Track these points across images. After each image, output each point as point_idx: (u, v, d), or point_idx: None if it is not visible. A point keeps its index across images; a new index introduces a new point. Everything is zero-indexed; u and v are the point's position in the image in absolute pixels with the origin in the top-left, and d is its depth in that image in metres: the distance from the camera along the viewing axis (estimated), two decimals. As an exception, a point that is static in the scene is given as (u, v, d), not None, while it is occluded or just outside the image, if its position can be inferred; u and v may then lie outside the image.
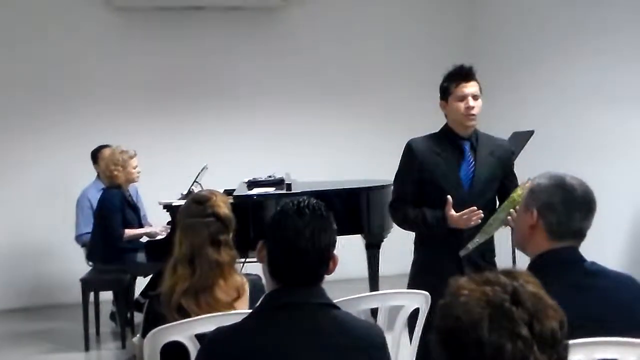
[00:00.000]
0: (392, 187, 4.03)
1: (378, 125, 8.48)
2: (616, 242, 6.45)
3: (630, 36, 6.36)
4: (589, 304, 2.29)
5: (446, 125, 3.92)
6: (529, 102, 7.77)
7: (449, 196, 3.69)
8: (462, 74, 3.82)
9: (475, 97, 3.81)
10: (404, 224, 3.92)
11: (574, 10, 7.12)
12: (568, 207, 2.41)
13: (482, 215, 3.65)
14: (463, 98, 3.79)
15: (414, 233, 4.00)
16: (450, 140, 3.87)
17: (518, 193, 3.38)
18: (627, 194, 6.37)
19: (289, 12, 8.59)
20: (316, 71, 8.66)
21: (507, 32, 8.26)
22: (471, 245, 3.61)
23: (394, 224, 4.13)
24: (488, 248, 3.85)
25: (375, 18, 8.76)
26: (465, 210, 3.65)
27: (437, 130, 3.96)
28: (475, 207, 3.66)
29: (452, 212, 3.67)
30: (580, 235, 2.45)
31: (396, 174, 3.96)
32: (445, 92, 3.86)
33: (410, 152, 3.87)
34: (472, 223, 3.65)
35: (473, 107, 3.79)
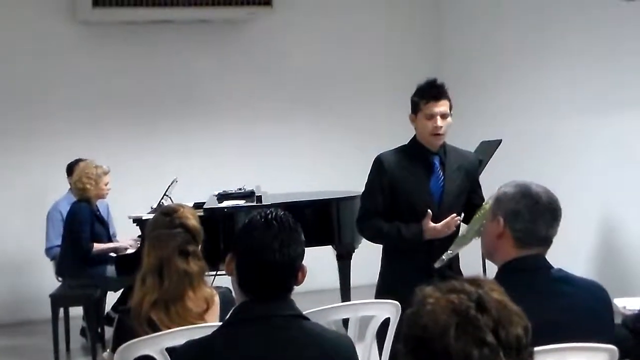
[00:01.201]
0: (360, 201, 4.00)
1: (348, 135, 8.50)
2: (584, 248, 6.52)
3: (598, 42, 6.45)
4: (555, 310, 2.31)
5: (414, 138, 3.94)
6: (496, 110, 7.83)
7: (429, 210, 3.71)
8: (432, 93, 3.83)
9: (443, 117, 3.82)
10: (376, 238, 3.92)
11: (541, 16, 7.19)
12: (534, 214, 2.44)
13: (460, 220, 3.71)
14: (431, 117, 3.80)
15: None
16: (419, 154, 3.89)
17: (490, 204, 3.41)
18: (595, 201, 6.45)
19: (255, 24, 8.59)
20: (285, 83, 8.67)
21: (475, 39, 8.32)
22: (446, 257, 3.63)
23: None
24: (454, 258, 3.87)
25: (343, 29, 8.78)
26: (445, 220, 3.69)
27: (406, 143, 3.98)
28: (454, 214, 3.72)
29: (430, 224, 3.69)
30: (547, 242, 2.47)
31: (365, 188, 3.95)
32: (415, 107, 3.87)
33: (380, 167, 3.87)
34: (450, 230, 3.70)
35: (441, 127, 3.80)
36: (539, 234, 2.44)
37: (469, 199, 3.94)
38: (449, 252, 3.64)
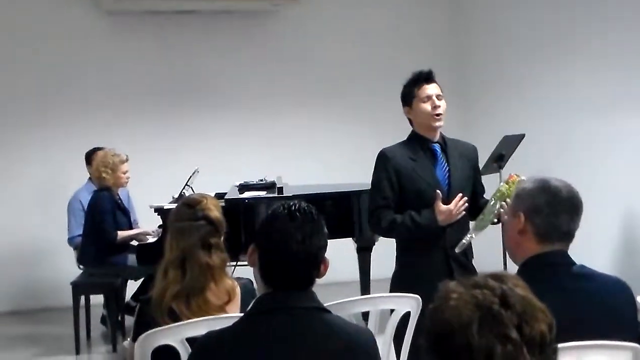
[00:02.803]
0: (369, 198, 3.99)
1: (368, 128, 8.49)
2: (606, 245, 6.47)
3: (619, 41, 6.39)
4: (577, 307, 2.30)
5: (413, 131, 3.95)
6: (519, 105, 7.79)
7: (438, 191, 3.71)
8: (422, 77, 3.88)
9: (439, 98, 3.86)
10: (391, 231, 3.86)
11: (563, 13, 7.14)
12: (554, 208, 2.42)
13: (467, 201, 3.72)
14: (428, 98, 3.83)
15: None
16: (421, 144, 3.89)
17: (505, 186, 3.54)
18: (617, 197, 6.40)
19: (279, 16, 8.60)
20: (307, 76, 8.66)
21: (496, 36, 8.28)
22: (466, 240, 3.64)
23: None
24: (469, 248, 3.87)
25: (366, 23, 8.76)
26: (453, 202, 3.70)
27: (405, 139, 3.97)
28: (461, 194, 3.72)
29: (442, 206, 3.69)
30: (569, 236, 2.46)
31: (373, 183, 3.92)
32: (408, 97, 3.89)
33: (385, 160, 3.86)
34: (460, 214, 3.70)
35: (439, 107, 3.83)
36: (560, 228, 2.43)
37: (473, 187, 3.96)
38: (468, 236, 3.65)
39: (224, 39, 8.48)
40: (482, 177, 4.16)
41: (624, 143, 6.38)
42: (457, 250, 3.68)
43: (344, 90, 8.69)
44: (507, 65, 8.06)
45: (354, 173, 7.51)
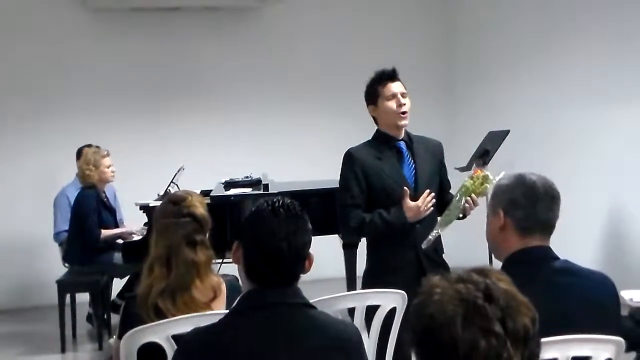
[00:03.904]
0: (337, 198, 3.98)
1: (354, 125, 8.44)
2: (592, 240, 6.52)
3: (603, 35, 6.43)
4: (560, 301, 2.31)
5: (378, 130, 3.97)
6: (505, 102, 7.82)
7: (405, 188, 3.72)
8: (386, 75, 3.89)
9: (403, 96, 3.87)
10: (360, 230, 3.85)
11: (546, 10, 7.18)
12: (531, 200, 2.45)
13: (435, 197, 3.74)
14: (393, 96, 3.84)
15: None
16: (387, 143, 3.91)
17: (470, 182, 3.60)
18: (603, 192, 6.44)
19: (264, 12, 8.59)
20: (292, 71, 8.66)
21: (481, 32, 8.31)
22: (432, 237, 3.65)
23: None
24: (439, 243, 3.91)
25: (352, 18, 8.77)
26: (420, 198, 3.71)
27: (370, 138, 4.00)
28: (428, 191, 3.74)
29: (410, 202, 3.70)
30: (549, 227, 2.48)
31: (341, 183, 3.92)
32: (373, 95, 3.90)
33: (352, 160, 3.88)
34: (428, 210, 3.71)
35: (404, 104, 3.84)
36: (539, 218, 2.45)
37: (440, 183, 3.99)
38: (434, 232, 3.66)
39: (210, 36, 8.47)
40: (467, 172, 4.18)
41: (609, 137, 6.42)
42: (423, 246, 3.68)
43: (329, 87, 8.69)
44: (493, 62, 8.09)
45: (339, 170, 7.53)
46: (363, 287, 3.79)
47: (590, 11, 6.60)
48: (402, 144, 3.91)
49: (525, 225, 2.45)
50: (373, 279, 3.78)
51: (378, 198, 3.81)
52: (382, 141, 3.92)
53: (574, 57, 6.81)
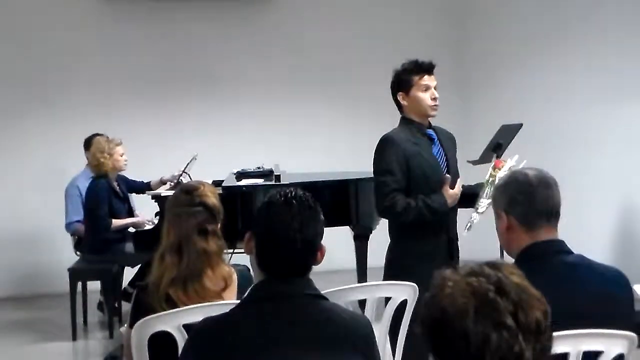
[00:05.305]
0: (379, 182, 3.94)
1: (367, 115, 8.47)
2: (604, 235, 6.49)
3: (617, 31, 6.40)
4: (573, 296, 2.31)
5: (405, 117, 4.01)
6: (517, 95, 7.79)
7: (447, 175, 3.83)
8: (424, 67, 3.95)
9: (436, 89, 3.97)
10: (406, 215, 3.81)
11: (561, 4, 7.14)
12: (526, 193, 2.47)
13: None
14: (427, 89, 3.93)
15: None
16: (418, 129, 3.97)
17: (492, 173, 3.85)
18: (615, 187, 6.41)
19: (276, 4, 8.57)
20: (305, 61, 8.65)
21: (497, 25, 8.27)
22: (471, 223, 3.82)
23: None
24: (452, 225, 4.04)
25: (365, 9, 8.75)
26: (457, 185, 3.86)
27: (398, 125, 4.05)
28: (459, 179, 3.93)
29: (449, 189, 3.81)
30: (552, 214, 2.47)
31: (382, 167, 3.90)
32: (406, 84, 3.96)
33: (393, 144, 3.88)
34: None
35: (437, 98, 3.94)
36: (539, 209, 2.45)
37: None
38: (473, 218, 3.83)
39: (221, 26, 8.47)
40: (480, 165, 4.29)
41: (621, 132, 6.39)
42: (465, 231, 3.84)
43: (342, 77, 8.68)
44: (506, 55, 8.06)
45: (352, 161, 7.52)
46: (387, 277, 3.78)
47: (606, 5, 6.56)
48: (432, 132, 4.01)
49: (528, 220, 2.46)
50: (400, 267, 3.81)
51: (418, 182, 3.86)
52: (414, 127, 3.97)
53: (589, 53, 6.77)
